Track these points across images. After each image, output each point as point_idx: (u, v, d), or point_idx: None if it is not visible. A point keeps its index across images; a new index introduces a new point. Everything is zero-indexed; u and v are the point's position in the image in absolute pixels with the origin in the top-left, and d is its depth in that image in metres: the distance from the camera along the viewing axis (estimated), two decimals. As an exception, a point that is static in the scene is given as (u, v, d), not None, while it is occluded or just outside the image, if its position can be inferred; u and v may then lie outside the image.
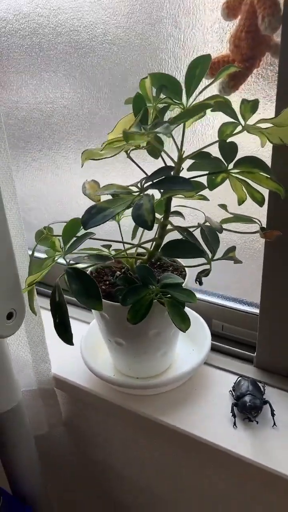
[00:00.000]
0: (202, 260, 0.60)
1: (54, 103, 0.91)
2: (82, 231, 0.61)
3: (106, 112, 0.85)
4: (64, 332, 0.55)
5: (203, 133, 0.77)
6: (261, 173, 0.57)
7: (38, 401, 0.87)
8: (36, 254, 0.65)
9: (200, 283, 0.58)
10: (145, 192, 0.53)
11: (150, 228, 0.48)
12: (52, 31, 0.84)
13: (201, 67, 0.56)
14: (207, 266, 0.58)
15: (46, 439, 1.08)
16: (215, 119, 0.75)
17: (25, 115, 0.97)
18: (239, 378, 0.78)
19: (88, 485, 1.12)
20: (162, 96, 0.58)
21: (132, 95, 0.59)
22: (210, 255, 0.57)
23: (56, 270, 0.64)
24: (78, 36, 0.81)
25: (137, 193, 0.53)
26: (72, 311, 0.72)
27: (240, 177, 0.59)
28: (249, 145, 0.72)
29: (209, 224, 0.62)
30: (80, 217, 0.53)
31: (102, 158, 0.48)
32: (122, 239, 0.72)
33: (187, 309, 0.65)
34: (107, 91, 0.83)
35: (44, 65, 0.88)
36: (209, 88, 0.58)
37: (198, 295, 0.89)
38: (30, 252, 0.67)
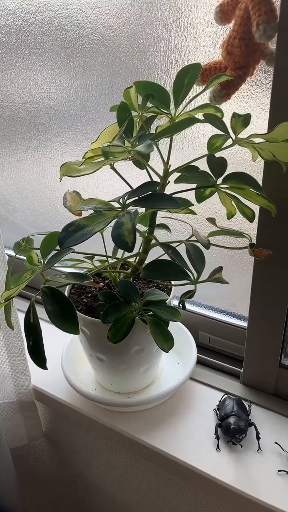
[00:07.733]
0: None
1: (39, 103, 0.87)
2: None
3: (93, 115, 0.81)
4: (38, 356, 0.52)
5: (193, 140, 0.73)
6: (251, 189, 0.54)
7: (17, 413, 0.84)
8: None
9: (183, 307, 0.55)
10: (128, 209, 0.50)
11: (130, 250, 0.45)
12: (38, 28, 0.79)
13: (191, 76, 0.52)
14: (192, 287, 0.55)
15: (26, 451, 1.05)
16: (205, 126, 0.72)
17: (10, 114, 0.93)
18: (225, 396, 0.75)
19: (68, 499, 1.09)
20: (148, 104, 0.55)
21: (120, 98, 0.56)
22: (195, 275, 0.54)
23: (39, 277, 0.60)
24: (65, 35, 0.77)
25: (119, 209, 0.50)
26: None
27: (230, 192, 0.56)
28: (241, 154, 0.69)
29: (195, 240, 0.59)
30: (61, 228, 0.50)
31: (80, 175, 0.45)
32: (105, 251, 0.69)
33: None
34: (94, 93, 0.79)
35: (29, 63, 0.84)
36: (200, 95, 0.55)
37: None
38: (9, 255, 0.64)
